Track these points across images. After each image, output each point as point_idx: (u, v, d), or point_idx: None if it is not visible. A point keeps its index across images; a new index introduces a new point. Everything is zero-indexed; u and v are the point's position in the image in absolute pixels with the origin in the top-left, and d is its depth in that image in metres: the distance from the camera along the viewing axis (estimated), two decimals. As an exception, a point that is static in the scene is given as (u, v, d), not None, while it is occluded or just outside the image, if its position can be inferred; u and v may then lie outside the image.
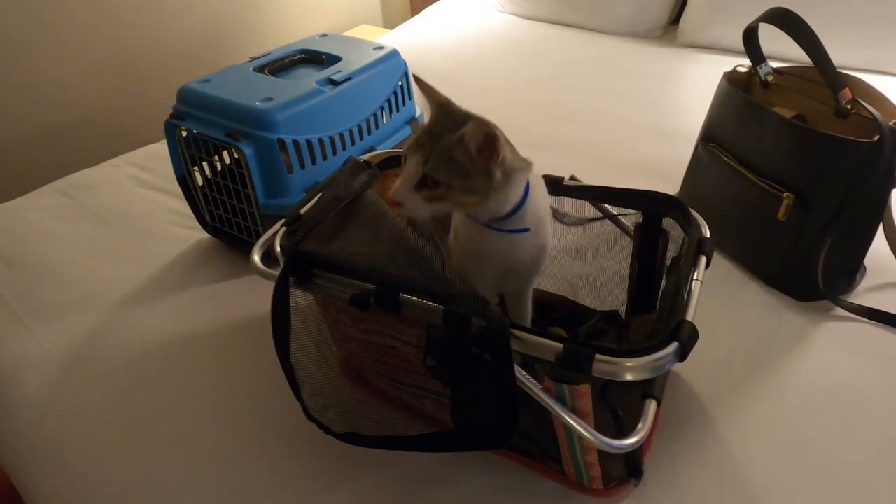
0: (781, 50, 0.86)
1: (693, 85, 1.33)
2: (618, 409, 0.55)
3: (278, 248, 0.59)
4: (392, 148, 0.93)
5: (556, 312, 0.74)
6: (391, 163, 0.75)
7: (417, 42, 1.63)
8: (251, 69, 0.89)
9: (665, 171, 0.99)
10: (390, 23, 2.28)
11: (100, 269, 0.89)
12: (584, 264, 0.75)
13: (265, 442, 0.64)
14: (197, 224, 0.93)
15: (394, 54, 0.97)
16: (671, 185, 0.95)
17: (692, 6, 1.50)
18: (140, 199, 1.04)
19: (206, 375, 0.73)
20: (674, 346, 0.44)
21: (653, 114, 1.24)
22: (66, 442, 0.66)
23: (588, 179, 0.67)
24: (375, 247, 0.56)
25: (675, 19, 1.59)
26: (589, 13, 1.63)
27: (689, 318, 0.47)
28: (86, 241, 0.95)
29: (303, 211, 0.63)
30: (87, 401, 0.70)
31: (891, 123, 0.68)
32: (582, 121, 1.23)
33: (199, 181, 0.90)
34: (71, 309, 0.82)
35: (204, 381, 0.72)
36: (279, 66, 0.92)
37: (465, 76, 1.44)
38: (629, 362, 0.44)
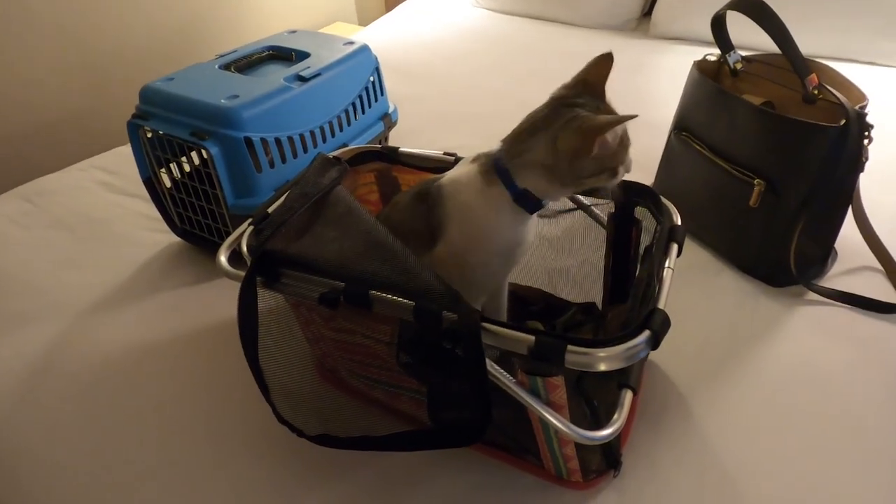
0: (750, 39, 0.86)
1: (667, 75, 1.33)
2: (594, 400, 0.54)
3: (245, 248, 0.58)
4: (365, 144, 0.92)
5: (534, 306, 0.74)
6: (362, 158, 0.74)
7: (392, 38, 1.62)
8: (217, 67, 0.87)
9: (641, 161, 0.97)
10: (365, 20, 2.26)
11: (63, 276, 0.86)
12: (560, 256, 0.75)
13: (239, 447, 0.63)
14: (166, 227, 0.91)
15: (364, 49, 0.95)
16: (648, 174, 0.95)
17: (664, -2, 1.51)
18: (107, 204, 1.01)
19: (175, 381, 0.71)
20: (646, 334, 0.44)
21: (628, 105, 1.22)
22: (28, 455, 0.64)
23: (564, 171, 0.66)
24: (344, 243, 0.55)
25: (648, 11, 1.60)
26: (562, 6, 1.63)
27: (660, 306, 0.47)
28: (49, 247, 0.92)
29: (271, 210, 0.61)
30: (50, 412, 0.68)
31: (856, 108, 0.68)
32: (557, 114, 1.22)
33: (167, 183, 0.87)
34: (32, 318, 0.79)
35: (174, 387, 0.70)
36: (246, 63, 0.90)
37: (440, 71, 1.43)
38: (601, 352, 0.44)
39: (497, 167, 0.54)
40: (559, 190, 0.55)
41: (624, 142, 0.53)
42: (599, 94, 0.56)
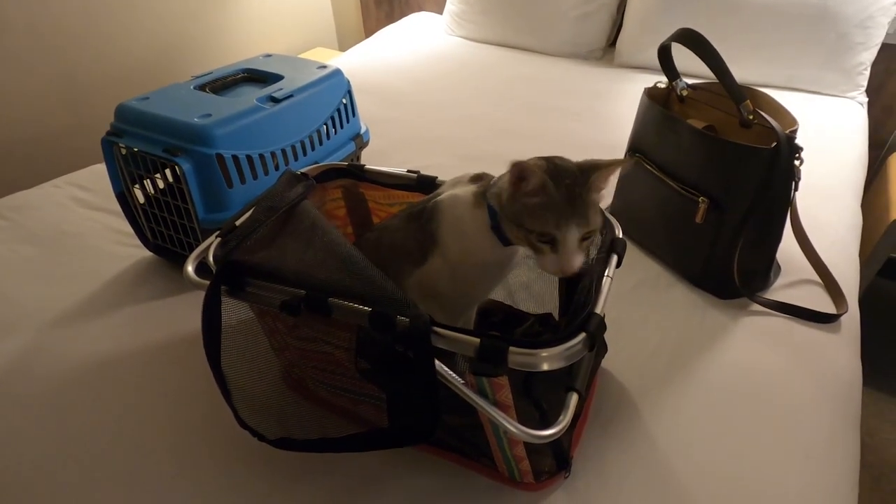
0: (698, 68, 0.92)
1: (628, 101, 1.41)
2: (542, 402, 0.57)
3: (211, 259, 0.60)
4: (337, 162, 0.95)
5: (494, 317, 0.77)
6: (330, 175, 0.78)
7: (370, 63, 1.67)
8: (192, 87, 0.90)
9: (602, 182, 1.04)
10: (345, 45, 2.32)
11: (33, 288, 0.87)
12: (520, 270, 0.78)
13: (202, 456, 0.64)
14: (138, 242, 0.92)
15: (336, 73, 0.99)
16: (607, 192, 1.00)
17: (627, 30, 1.60)
18: (81, 219, 1.02)
19: (141, 392, 0.72)
20: (581, 336, 0.47)
21: (592, 129, 1.30)
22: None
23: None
24: (307, 254, 0.58)
25: (613, 42, 1.68)
26: (533, 36, 1.71)
27: (597, 310, 0.50)
28: (20, 261, 0.93)
29: (238, 222, 0.64)
30: (13, 422, 0.68)
31: (787, 132, 0.74)
32: (525, 136, 1.28)
33: (140, 199, 0.89)
34: None
35: (139, 397, 0.71)
36: (221, 84, 0.94)
37: (415, 95, 1.48)
38: (543, 352, 0.47)
39: (486, 195, 0.58)
40: (508, 230, 0.55)
41: (551, 205, 0.51)
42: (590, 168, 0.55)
